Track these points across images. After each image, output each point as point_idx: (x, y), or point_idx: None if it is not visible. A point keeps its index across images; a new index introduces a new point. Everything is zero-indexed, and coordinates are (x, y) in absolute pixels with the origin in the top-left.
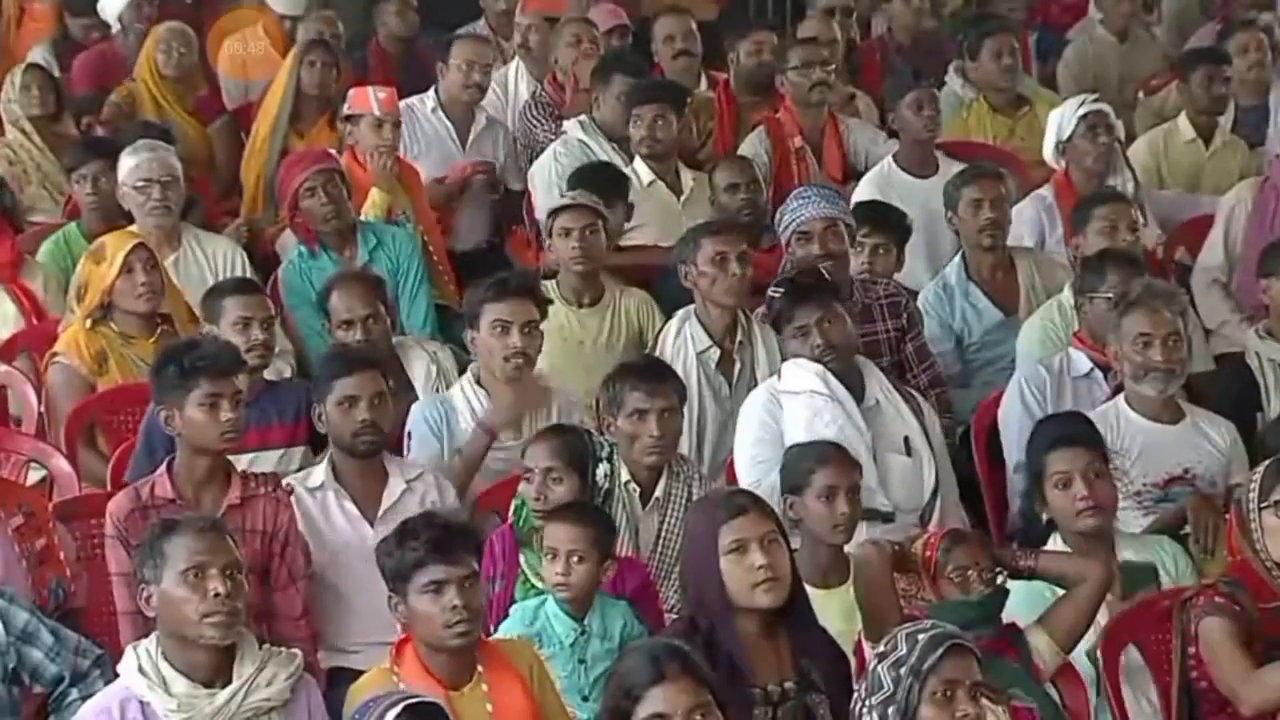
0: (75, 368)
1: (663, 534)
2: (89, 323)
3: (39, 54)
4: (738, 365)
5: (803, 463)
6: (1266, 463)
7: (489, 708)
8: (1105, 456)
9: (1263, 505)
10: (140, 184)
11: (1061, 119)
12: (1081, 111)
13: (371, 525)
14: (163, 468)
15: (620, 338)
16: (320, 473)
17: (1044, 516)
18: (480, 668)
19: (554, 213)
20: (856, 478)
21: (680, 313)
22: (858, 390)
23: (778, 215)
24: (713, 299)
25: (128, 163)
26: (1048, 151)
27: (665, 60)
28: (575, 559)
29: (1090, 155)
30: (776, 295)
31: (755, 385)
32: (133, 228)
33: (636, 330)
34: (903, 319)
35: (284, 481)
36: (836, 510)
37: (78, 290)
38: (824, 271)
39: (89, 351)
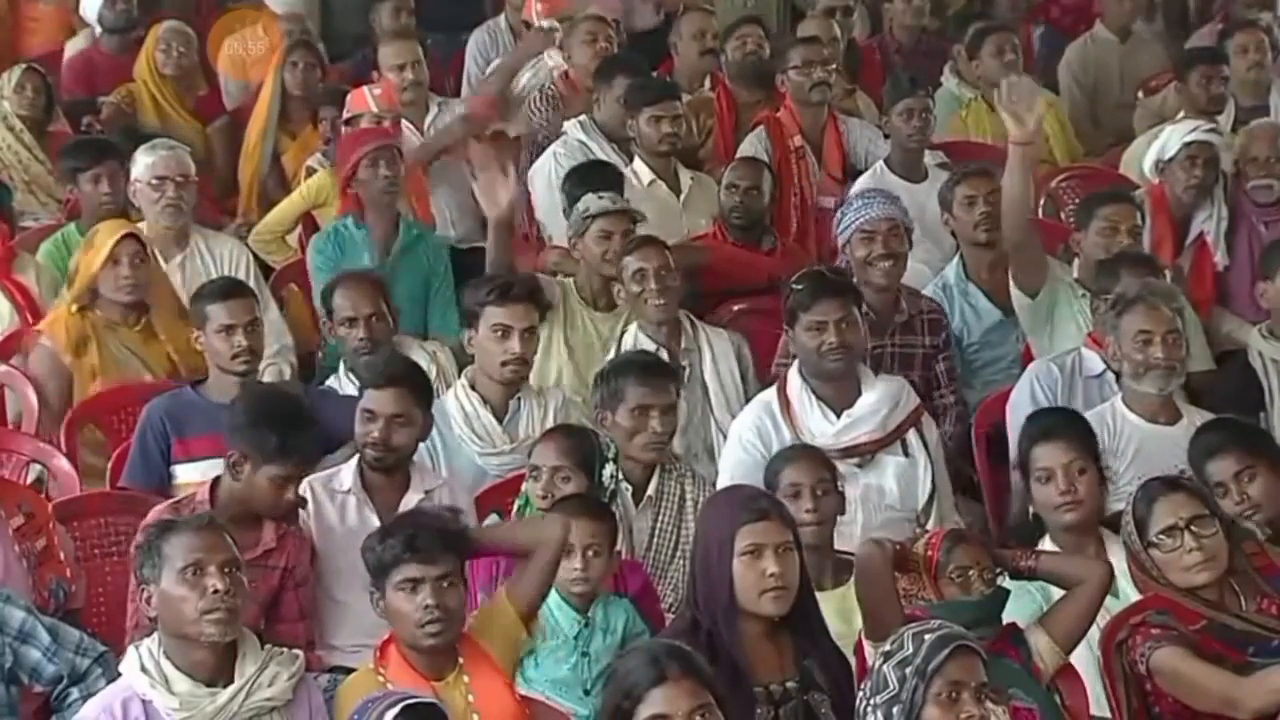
0: (53, 349)
1: (656, 532)
2: (75, 308)
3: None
4: (686, 369)
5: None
6: (1131, 503)
7: (470, 698)
8: (1093, 453)
9: (1147, 544)
10: (155, 181)
11: (1168, 139)
12: (1188, 139)
13: None
14: (205, 491)
15: None
16: (348, 477)
17: (1030, 511)
18: (461, 659)
19: (591, 215)
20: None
21: (632, 326)
22: (851, 396)
23: (838, 215)
24: (641, 314)
25: (144, 160)
26: (1147, 163)
27: (691, 57)
28: (592, 553)
29: (1181, 183)
30: (798, 287)
31: (704, 388)
32: (141, 224)
33: None
34: (940, 337)
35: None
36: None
37: (70, 275)
38: (882, 271)
39: (71, 334)
